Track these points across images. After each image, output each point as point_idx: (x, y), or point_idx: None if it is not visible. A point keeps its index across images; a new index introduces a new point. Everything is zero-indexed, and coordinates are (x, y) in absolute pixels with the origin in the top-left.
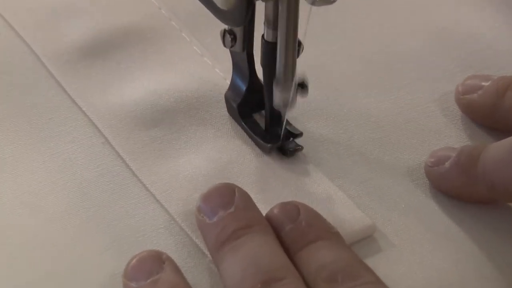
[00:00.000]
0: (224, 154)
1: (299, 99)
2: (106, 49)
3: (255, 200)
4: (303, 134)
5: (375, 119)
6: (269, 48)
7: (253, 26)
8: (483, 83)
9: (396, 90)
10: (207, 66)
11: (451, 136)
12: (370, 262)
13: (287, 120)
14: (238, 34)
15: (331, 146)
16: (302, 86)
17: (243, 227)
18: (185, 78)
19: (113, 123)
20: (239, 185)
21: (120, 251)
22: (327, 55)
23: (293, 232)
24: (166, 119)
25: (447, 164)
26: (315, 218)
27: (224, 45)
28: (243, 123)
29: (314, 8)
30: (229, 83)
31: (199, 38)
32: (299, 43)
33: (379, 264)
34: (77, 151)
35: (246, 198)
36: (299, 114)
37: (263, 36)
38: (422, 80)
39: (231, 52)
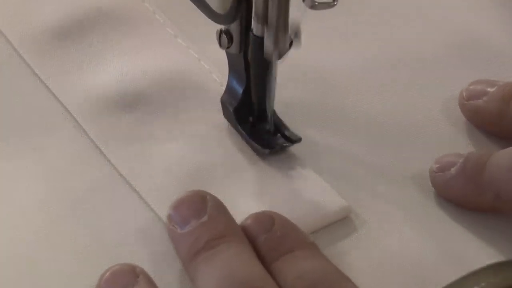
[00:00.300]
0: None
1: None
2: (78, 30)
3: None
4: (302, 139)
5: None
6: (258, 43)
7: (250, 27)
8: (488, 89)
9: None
10: (181, 47)
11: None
12: (346, 243)
13: (285, 126)
14: (235, 34)
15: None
16: (296, 36)
17: (217, 237)
18: (158, 61)
19: (85, 106)
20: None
21: (89, 232)
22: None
23: (268, 242)
24: (139, 102)
25: (452, 171)
26: (291, 228)
27: (220, 46)
28: (239, 128)
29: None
30: (206, 65)
31: (172, 19)
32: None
33: (354, 245)
34: (48, 135)
35: (219, 206)
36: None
37: (251, 30)
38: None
39: (227, 54)
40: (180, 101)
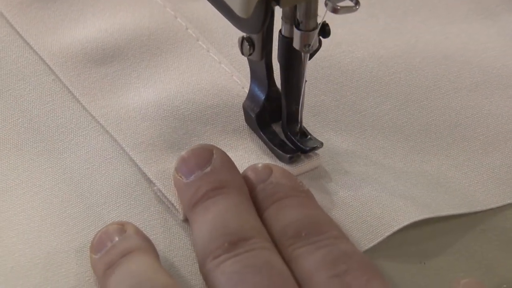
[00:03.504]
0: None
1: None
2: None
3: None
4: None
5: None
6: (286, 43)
7: (271, 34)
8: None
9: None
10: (157, 5)
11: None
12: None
13: (308, 132)
14: (257, 42)
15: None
16: (324, 28)
17: (216, 187)
18: (136, 18)
19: (64, 60)
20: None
21: (70, 182)
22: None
23: (263, 192)
24: (117, 56)
25: None
26: (286, 178)
27: (242, 53)
28: (261, 134)
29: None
30: (183, 22)
31: None
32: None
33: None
34: (28, 89)
35: (224, 158)
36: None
37: (280, 31)
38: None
39: (249, 60)
40: (156, 56)
